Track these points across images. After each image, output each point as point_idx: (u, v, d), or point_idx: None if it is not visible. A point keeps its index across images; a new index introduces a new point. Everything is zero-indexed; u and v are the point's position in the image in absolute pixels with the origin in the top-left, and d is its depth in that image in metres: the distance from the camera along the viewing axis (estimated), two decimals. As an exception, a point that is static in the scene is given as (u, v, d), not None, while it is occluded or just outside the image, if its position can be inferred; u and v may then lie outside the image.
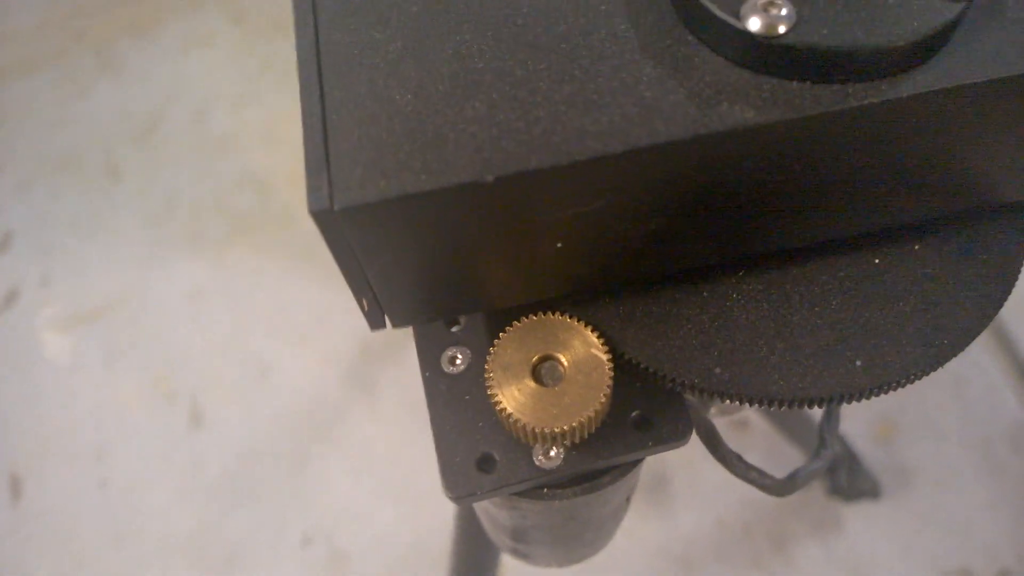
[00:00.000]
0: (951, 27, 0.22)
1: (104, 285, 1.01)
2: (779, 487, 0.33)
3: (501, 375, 0.26)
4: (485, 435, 0.28)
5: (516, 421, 0.25)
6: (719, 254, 0.27)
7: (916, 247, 0.28)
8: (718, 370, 0.26)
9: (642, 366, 0.26)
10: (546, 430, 0.25)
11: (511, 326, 0.26)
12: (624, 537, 0.81)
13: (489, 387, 0.26)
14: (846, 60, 0.21)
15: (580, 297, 0.27)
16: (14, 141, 1.14)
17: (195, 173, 1.10)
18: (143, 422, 0.92)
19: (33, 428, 0.92)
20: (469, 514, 0.54)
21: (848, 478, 0.79)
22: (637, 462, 0.29)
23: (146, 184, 1.09)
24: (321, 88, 0.22)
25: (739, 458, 0.32)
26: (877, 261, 0.28)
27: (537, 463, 0.28)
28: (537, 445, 0.28)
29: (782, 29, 0.21)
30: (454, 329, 0.31)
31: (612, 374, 0.25)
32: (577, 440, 0.26)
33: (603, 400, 0.25)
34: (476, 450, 0.28)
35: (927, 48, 0.21)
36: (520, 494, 0.29)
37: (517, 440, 0.27)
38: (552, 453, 0.28)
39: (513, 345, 0.26)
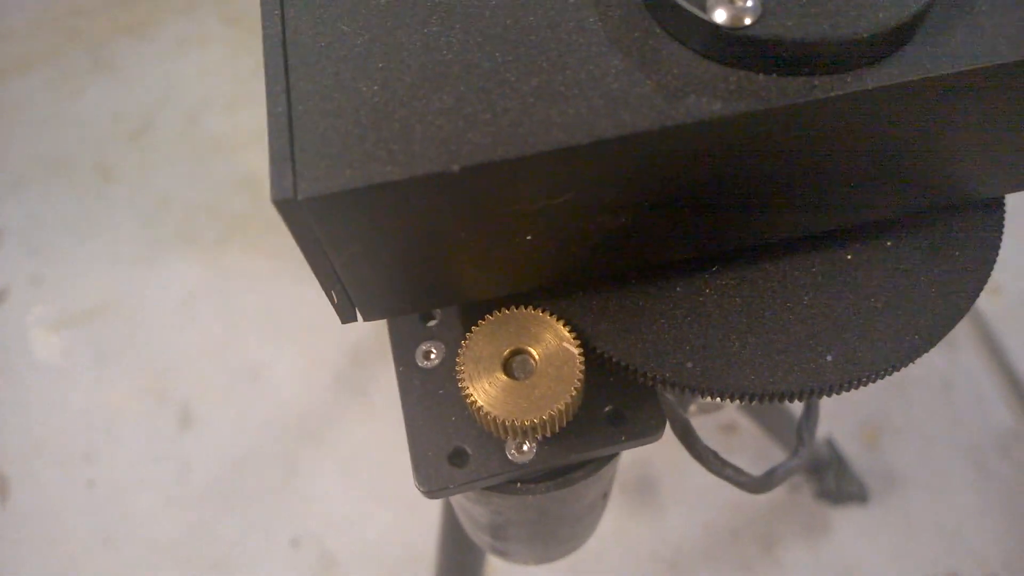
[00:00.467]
0: (918, 19, 0.22)
1: (96, 286, 1.01)
2: (756, 484, 0.33)
3: (472, 368, 0.26)
4: (458, 429, 0.28)
5: (487, 414, 0.25)
6: (691, 249, 0.27)
7: (888, 243, 0.28)
8: (690, 364, 0.26)
9: (614, 360, 0.26)
10: (517, 423, 0.25)
11: (483, 320, 0.27)
12: (612, 540, 0.82)
13: (460, 380, 0.26)
14: (812, 52, 0.21)
15: (553, 291, 0.27)
16: (7, 140, 1.14)
17: (188, 174, 1.10)
18: (133, 424, 0.91)
19: (22, 428, 0.92)
20: (454, 516, 0.54)
21: (836, 482, 0.79)
22: (611, 457, 0.29)
23: (139, 185, 1.09)
24: (287, 80, 0.22)
25: (715, 455, 0.32)
26: (849, 257, 0.28)
27: (510, 457, 0.28)
28: (509, 439, 0.28)
29: (748, 21, 0.21)
30: (430, 324, 0.31)
31: (583, 367, 0.26)
32: (549, 433, 0.26)
33: (574, 393, 0.25)
34: (448, 444, 0.28)
35: (893, 41, 0.22)
36: (493, 489, 0.29)
37: (489, 434, 0.27)
38: (525, 447, 0.28)
39: (485, 339, 0.26)
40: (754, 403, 0.26)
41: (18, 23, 1.26)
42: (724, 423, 0.85)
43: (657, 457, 0.85)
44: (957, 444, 0.86)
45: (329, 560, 0.83)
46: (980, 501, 0.83)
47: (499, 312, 0.27)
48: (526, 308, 0.27)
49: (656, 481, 0.85)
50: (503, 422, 0.25)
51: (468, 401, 0.26)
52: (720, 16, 0.21)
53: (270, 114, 0.21)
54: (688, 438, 0.32)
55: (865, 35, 0.21)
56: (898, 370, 0.27)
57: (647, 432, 0.28)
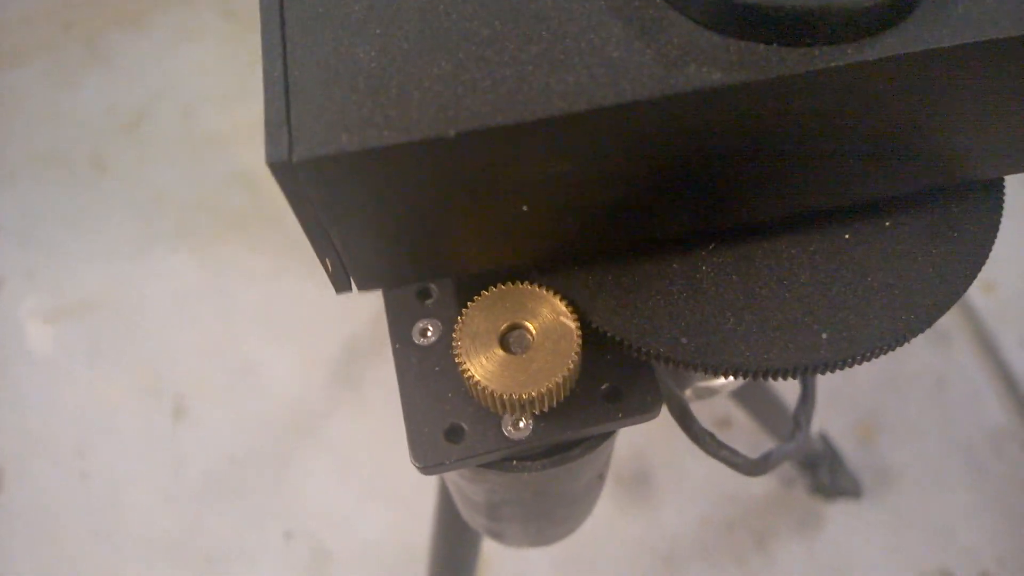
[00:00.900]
0: None
1: (91, 279, 1.00)
2: (751, 466, 0.33)
3: (469, 343, 0.26)
4: (454, 406, 0.28)
5: (484, 389, 0.25)
6: (688, 225, 0.27)
7: (887, 223, 0.28)
8: (684, 340, 0.26)
9: (609, 335, 0.26)
10: (513, 397, 0.25)
11: (480, 295, 0.26)
12: (607, 533, 0.82)
13: (457, 355, 0.26)
14: (813, 22, 0.21)
15: (550, 266, 0.27)
16: (1, 132, 1.14)
17: (184, 168, 1.09)
18: (126, 417, 0.91)
19: (15, 421, 0.91)
20: (449, 511, 0.54)
21: (830, 477, 0.79)
22: (607, 435, 0.29)
23: (134, 179, 1.09)
24: (284, 45, 0.22)
25: (712, 436, 0.32)
26: (847, 236, 0.28)
27: (506, 434, 0.28)
28: (506, 415, 0.28)
29: (748, -10, 0.21)
30: (427, 302, 0.30)
31: (580, 342, 0.25)
32: (546, 408, 0.26)
33: (571, 367, 0.25)
34: (445, 421, 0.28)
35: (896, 11, 0.21)
36: (489, 466, 0.28)
37: (486, 411, 0.27)
38: (521, 424, 0.28)
39: (481, 314, 0.26)
40: (747, 379, 0.26)
41: (12, 15, 1.25)
42: (719, 417, 0.85)
43: (652, 450, 0.85)
44: (951, 441, 0.86)
45: (323, 554, 0.83)
46: (973, 498, 0.83)
47: (496, 287, 0.27)
48: (523, 283, 0.27)
49: (651, 474, 0.85)
50: (500, 396, 0.25)
51: (465, 376, 0.26)
52: (720, -16, 0.21)
53: (266, 77, 0.21)
54: (685, 419, 0.32)
55: (867, 5, 0.21)
56: (892, 349, 0.27)
57: (644, 409, 0.28)
